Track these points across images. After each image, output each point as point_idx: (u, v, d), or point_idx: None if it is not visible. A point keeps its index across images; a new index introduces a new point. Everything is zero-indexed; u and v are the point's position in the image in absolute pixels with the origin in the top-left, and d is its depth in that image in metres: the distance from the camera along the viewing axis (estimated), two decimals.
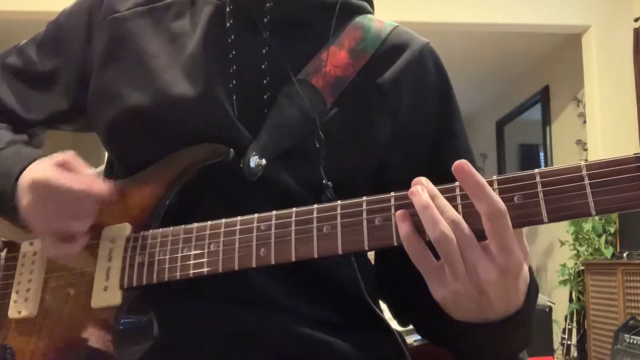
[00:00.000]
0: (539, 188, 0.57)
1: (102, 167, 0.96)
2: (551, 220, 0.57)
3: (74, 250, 0.73)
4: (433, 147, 0.83)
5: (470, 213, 0.60)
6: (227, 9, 0.81)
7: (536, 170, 0.58)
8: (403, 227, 0.61)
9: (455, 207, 0.60)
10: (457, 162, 0.59)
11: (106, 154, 0.92)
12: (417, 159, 0.82)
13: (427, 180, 0.62)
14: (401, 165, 0.82)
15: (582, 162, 0.57)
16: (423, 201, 0.60)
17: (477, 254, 0.59)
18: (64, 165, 0.72)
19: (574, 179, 0.56)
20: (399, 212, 0.61)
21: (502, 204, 0.57)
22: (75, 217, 0.72)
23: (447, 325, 0.66)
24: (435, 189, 0.61)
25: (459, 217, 0.59)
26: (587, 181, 0.56)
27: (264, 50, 0.80)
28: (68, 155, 0.73)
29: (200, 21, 0.82)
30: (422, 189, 0.61)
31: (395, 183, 0.65)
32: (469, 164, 0.59)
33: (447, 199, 0.60)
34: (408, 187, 0.62)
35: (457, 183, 0.61)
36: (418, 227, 0.60)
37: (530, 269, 0.66)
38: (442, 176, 0.63)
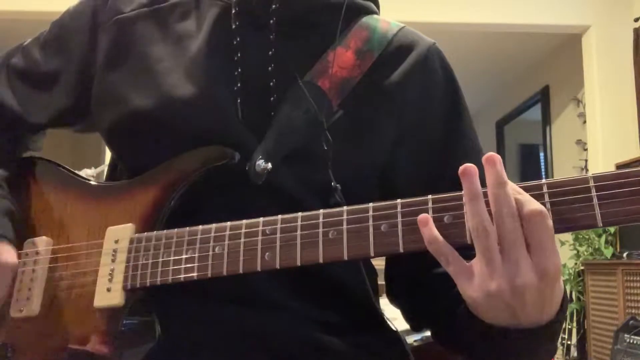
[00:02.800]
0: (546, 199, 0.57)
1: (102, 167, 0.96)
2: (558, 231, 0.57)
3: None
4: (442, 148, 0.82)
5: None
6: (233, 11, 0.81)
7: (543, 181, 0.58)
8: (426, 231, 0.59)
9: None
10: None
11: (107, 155, 0.92)
12: (426, 161, 0.81)
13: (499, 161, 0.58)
14: (408, 166, 0.81)
15: (589, 174, 0.56)
16: (474, 190, 0.57)
17: (522, 252, 0.56)
18: None
19: (581, 191, 0.56)
20: (421, 216, 0.59)
21: (540, 205, 0.56)
22: None
23: (470, 328, 0.65)
24: (500, 177, 0.57)
25: (514, 211, 0.56)
26: (594, 193, 0.56)
27: (270, 52, 0.79)
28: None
29: (205, 23, 0.82)
30: (476, 172, 0.58)
31: (402, 185, 0.65)
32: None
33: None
34: (415, 188, 0.62)
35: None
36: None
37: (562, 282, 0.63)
38: (452, 177, 0.62)
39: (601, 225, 0.55)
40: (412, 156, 0.81)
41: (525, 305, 0.58)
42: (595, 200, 0.55)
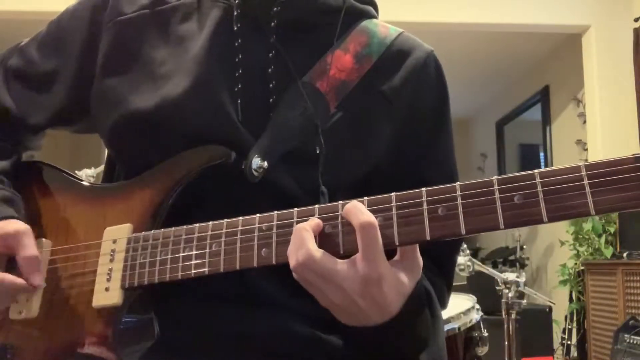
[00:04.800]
0: (539, 188, 0.58)
1: (102, 167, 0.96)
2: (551, 220, 0.57)
3: None
4: (419, 156, 0.84)
5: (348, 231, 0.63)
6: (235, 13, 0.81)
7: (536, 171, 0.58)
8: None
9: (336, 226, 0.64)
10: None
11: (106, 155, 0.92)
12: (405, 165, 0.83)
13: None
14: (391, 170, 0.82)
15: (582, 163, 0.57)
16: (296, 229, 0.64)
17: (336, 280, 0.62)
18: (6, 240, 0.75)
19: (574, 179, 0.56)
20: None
21: (372, 218, 0.61)
22: None
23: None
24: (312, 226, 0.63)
25: (313, 253, 0.62)
26: (586, 181, 0.56)
27: (270, 54, 0.79)
28: (19, 230, 0.75)
29: (207, 24, 0.81)
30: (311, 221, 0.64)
31: (382, 187, 0.65)
32: (338, 205, 0.63)
33: (329, 218, 0.64)
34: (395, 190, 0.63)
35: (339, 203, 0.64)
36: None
37: (423, 287, 0.70)
38: (417, 185, 0.63)
39: (594, 213, 0.55)
40: (396, 160, 0.82)
41: (362, 309, 0.63)
42: (587, 189, 0.55)
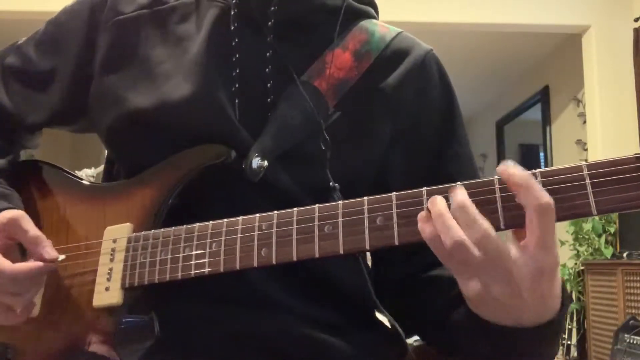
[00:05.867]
0: None
1: (102, 167, 0.96)
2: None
3: (16, 321, 0.73)
4: (436, 152, 0.83)
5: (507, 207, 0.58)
6: (232, 12, 0.81)
7: (537, 170, 0.58)
8: (427, 228, 0.58)
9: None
10: (499, 169, 0.57)
11: (106, 154, 0.92)
12: (420, 163, 0.82)
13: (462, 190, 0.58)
14: (403, 168, 0.82)
15: (583, 163, 0.56)
16: (436, 210, 0.57)
17: (508, 262, 0.55)
18: (5, 230, 0.73)
19: (575, 179, 0.56)
20: (421, 213, 0.59)
21: (550, 197, 0.55)
22: (10, 294, 0.72)
23: (471, 329, 0.64)
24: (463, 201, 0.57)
25: (486, 231, 0.55)
26: (588, 181, 0.55)
27: (267, 54, 0.80)
28: (14, 216, 0.74)
29: (204, 24, 0.82)
30: (441, 200, 0.58)
31: (395, 186, 0.65)
32: (507, 168, 0.56)
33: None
34: (408, 190, 0.62)
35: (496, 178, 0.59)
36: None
37: (562, 279, 0.62)
38: (442, 180, 0.62)
39: (596, 213, 0.55)
40: (405, 158, 0.82)
41: (525, 301, 0.57)
42: (589, 189, 0.55)
